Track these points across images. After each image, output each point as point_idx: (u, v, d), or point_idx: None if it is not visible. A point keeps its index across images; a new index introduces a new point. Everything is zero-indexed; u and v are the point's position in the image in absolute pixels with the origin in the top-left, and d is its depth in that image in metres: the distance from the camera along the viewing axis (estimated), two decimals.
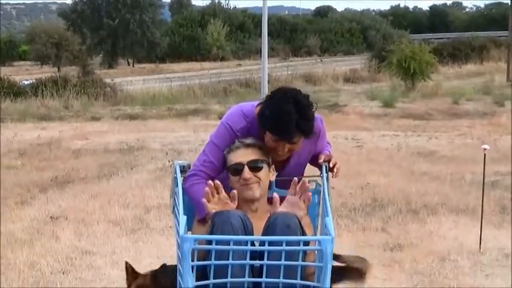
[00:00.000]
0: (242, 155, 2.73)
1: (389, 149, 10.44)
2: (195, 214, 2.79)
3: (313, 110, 2.71)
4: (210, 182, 2.59)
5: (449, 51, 34.44)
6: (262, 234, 2.45)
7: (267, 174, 2.77)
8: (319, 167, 2.89)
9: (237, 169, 2.73)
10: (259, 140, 2.77)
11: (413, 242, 5.23)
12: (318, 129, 2.86)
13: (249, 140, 2.76)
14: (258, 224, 2.61)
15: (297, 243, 2.31)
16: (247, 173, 2.71)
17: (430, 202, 6.51)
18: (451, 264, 4.66)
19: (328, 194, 2.66)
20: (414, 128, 13.74)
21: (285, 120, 2.62)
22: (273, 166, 2.82)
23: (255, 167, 2.73)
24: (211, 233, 2.42)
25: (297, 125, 2.63)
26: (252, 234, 2.46)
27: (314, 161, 2.97)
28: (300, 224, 2.47)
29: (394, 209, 6.29)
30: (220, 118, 2.95)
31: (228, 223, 2.40)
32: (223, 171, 2.85)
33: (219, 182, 2.59)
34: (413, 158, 9.55)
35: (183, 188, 2.76)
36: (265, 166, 2.76)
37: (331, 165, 2.86)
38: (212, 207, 2.54)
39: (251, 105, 2.84)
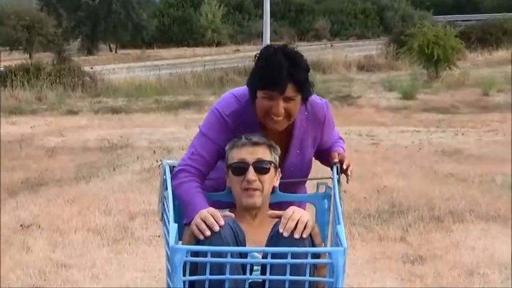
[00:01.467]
0: (247, 153, 2.73)
1: (409, 147, 10.44)
2: (183, 217, 2.78)
3: (306, 62, 2.77)
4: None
5: (478, 35, 34.39)
6: (266, 245, 2.44)
7: (272, 179, 2.77)
8: (330, 166, 2.88)
9: (241, 168, 2.72)
10: (254, 125, 2.78)
11: (436, 254, 5.23)
12: (323, 114, 2.89)
13: (256, 138, 2.75)
14: (257, 233, 2.60)
15: (304, 255, 2.30)
16: (251, 174, 2.70)
17: (456, 208, 6.51)
18: (480, 279, 4.65)
19: (340, 199, 2.65)
20: (438, 123, 13.74)
21: (275, 68, 2.66)
22: (279, 170, 2.83)
23: (261, 168, 2.72)
24: (197, 243, 2.42)
25: (289, 73, 2.66)
26: (244, 244, 2.46)
27: (324, 158, 2.97)
28: (310, 233, 2.46)
29: (415, 215, 6.29)
30: None
31: (218, 235, 2.40)
32: (216, 164, 2.85)
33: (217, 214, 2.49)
34: (437, 157, 9.55)
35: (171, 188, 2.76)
36: (272, 169, 2.76)
37: (344, 167, 2.85)
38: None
39: (243, 88, 2.85)
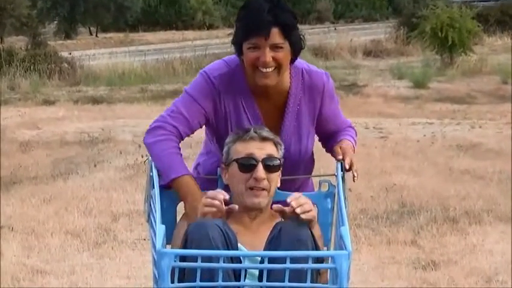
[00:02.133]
0: (256, 148, 2.73)
1: (421, 141, 10.45)
2: (160, 179, 2.78)
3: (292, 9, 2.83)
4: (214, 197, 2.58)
5: (496, 17, 34.38)
6: (265, 249, 2.44)
7: (278, 179, 2.78)
8: (335, 156, 2.88)
9: (249, 165, 2.72)
10: (244, 91, 2.83)
11: (451, 259, 5.24)
12: (322, 83, 2.91)
13: (265, 132, 2.76)
14: (255, 236, 2.61)
15: (305, 260, 2.31)
16: (261, 171, 2.70)
17: (472, 208, 6.52)
18: (498, 286, 4.66)
19: (345, 198, 2.66)
20: (452, 114, 13.75)
21: (256, 12, 2.72)
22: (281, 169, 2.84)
23: (271, 165, 2.73)
24: (184, 248, 2.43)
25: (272, 15, 2.71)
26: (236, 248, 2.47)
27: (329, 145, 2.97)
28: (313, 235, 2.47)
29: (427, 216, 6.29)
30: None
31: (206, 237, 2.40)
32: (197, 128, 2.88)
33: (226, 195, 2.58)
34: (452, 152, 9.55)
35: (148, 147, 2.83)
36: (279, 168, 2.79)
37: (347, 166, 2.84)
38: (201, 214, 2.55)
39: (235, 55, 2.90)
